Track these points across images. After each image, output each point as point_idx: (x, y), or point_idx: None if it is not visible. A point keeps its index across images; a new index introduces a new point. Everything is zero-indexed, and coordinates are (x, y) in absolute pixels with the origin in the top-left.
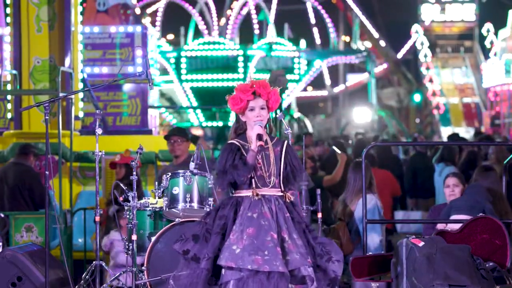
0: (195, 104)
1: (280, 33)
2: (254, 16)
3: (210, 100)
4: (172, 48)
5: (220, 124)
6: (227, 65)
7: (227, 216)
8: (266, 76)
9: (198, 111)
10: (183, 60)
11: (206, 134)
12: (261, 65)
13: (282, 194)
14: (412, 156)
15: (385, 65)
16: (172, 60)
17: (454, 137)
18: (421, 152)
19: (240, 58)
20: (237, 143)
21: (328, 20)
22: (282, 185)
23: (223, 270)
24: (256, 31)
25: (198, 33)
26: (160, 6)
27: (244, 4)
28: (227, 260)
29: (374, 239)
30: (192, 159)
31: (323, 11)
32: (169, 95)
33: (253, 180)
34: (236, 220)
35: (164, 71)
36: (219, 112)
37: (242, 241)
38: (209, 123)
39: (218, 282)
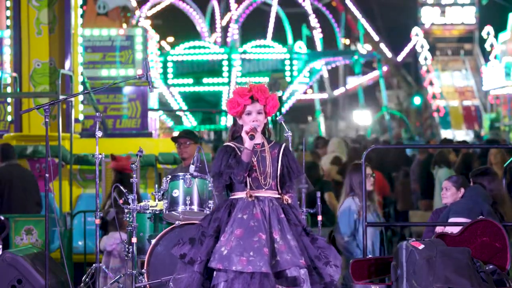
0: (185, 107)
1: (277, 35)
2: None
3: (197, 104)
4: (160, 53)
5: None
6: (212, 69)
7: (221, 218)
8: (253, 79)
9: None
10: (169, 64)
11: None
12: (248, 68)
13: (279, 196)
14: (425, 158)
15: (385, 68)
16: (160, 65)
17: (445, 142)
18: (433, 154)
19: (225, 62)
20: (232, 145)
21: (332, 20)
22: (279, 187)
23: (214, 272)
24: (235, 36)
25: (197, 36)
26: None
27: (247, 7)
28: (216, 262)
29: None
30: (192, 161)
31: (327, 12)
32: (165, 98)
33: (248, 181)
34: (228, 222)
35: None
36: (213, 116)
37: (230, 243)
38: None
39: (211, 284)
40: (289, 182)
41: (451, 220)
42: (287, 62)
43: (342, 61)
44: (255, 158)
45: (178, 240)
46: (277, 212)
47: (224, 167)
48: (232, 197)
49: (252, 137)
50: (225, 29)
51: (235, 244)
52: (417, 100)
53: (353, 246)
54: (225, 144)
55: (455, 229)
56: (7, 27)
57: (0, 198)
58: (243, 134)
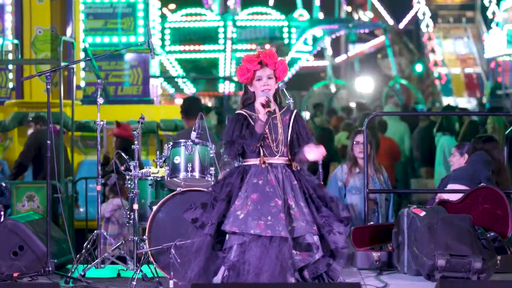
0: (183, 74)
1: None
2: None
3: (193, 71)
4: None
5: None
6: (208, 36)
7: (233, 183)
8: (247, 46)
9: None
10: (167, 31)
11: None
12: (245, 35)
13: (290, 162)
14: (427, 125)
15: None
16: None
17: (448, 109)
18: (435, 121)
19: (221, 29)
20: (244, 113)
21: None
22: (290, 153)
23: (227, 236)
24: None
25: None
26: None
27: None
28: (231, 226)
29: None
30: (193, 128)
31: None
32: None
33: (261, 149)
34: (241, 187)
35: None
36: (206, 81)
37: (246, 207)
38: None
39: (223, 247)
40: (298, 148)
41: (450, 186)
42: (285, 29)
43: (340, 31)
44: (267, 126)
45: (190, 204)
46: (290, 179)
47: (236, 137)
48: (244, 163)
49: (270, 114)
50: None
51: (252, 208)
52: (418, 68)
53: None
54: (237, 112)
55: (454, 196)
56: None
57: (38, 162)
58: (257, 105)
